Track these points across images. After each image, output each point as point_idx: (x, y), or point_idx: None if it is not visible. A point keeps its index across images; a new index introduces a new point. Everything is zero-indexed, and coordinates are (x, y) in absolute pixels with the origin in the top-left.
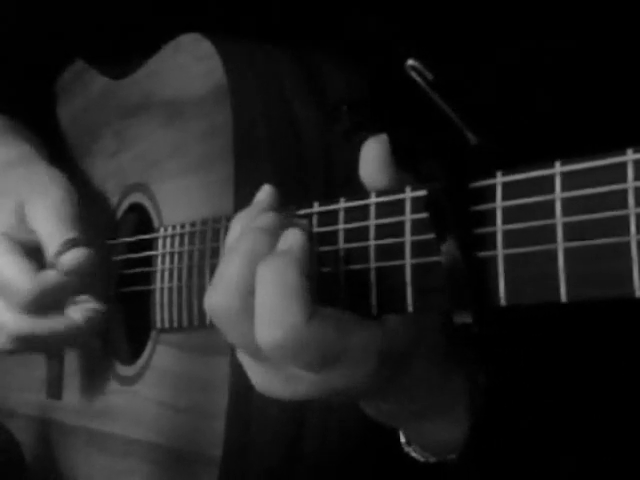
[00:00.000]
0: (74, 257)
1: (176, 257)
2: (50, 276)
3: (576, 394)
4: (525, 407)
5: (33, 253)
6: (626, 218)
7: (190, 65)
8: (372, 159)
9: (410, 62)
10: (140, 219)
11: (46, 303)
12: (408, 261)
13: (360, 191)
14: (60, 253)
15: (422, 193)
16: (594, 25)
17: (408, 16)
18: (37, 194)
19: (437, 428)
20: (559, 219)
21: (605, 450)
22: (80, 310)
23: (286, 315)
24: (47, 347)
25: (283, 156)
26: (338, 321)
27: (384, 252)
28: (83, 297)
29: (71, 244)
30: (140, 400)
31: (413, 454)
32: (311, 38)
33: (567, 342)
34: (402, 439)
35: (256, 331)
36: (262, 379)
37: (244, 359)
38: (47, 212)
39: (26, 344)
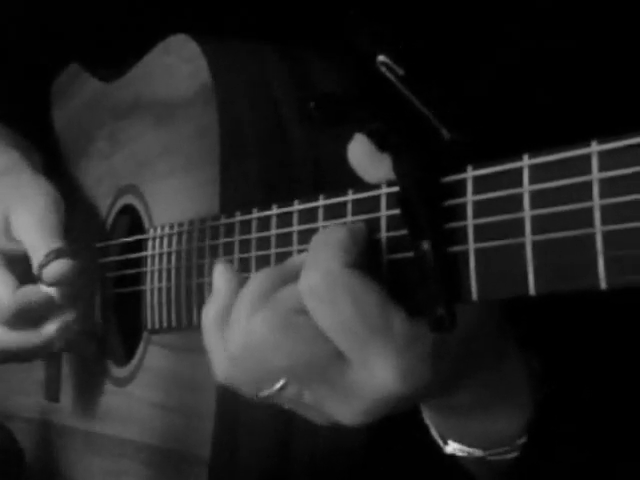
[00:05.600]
0: (57, 269)
1: (165, 258)
2: (30, 292)
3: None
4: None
5: (19, 262)
6: (590, 210)
7: (177, 66)
8: (361, 157)
9: (380, 58)
10: (132, 220)
11: (26, 318)
12: (384, 257)
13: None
14: (43, 265)
15: (397, 189)
16: (594, 25)
17: (408, 16)
18: (21, 203)
19: (494, 417)
20: (527, 212)
21: None
22: (56, 323)
23: (324, 260)
24: (22, 359)
25: (270, 156)
26: (381, 297)
27: None
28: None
29: (54, 255)
30: (133, 401)
31: (453, 450)
32: (306, 38)
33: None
34: (436, 436)
35: (299, 281)
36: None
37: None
38: (31, 222)
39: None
